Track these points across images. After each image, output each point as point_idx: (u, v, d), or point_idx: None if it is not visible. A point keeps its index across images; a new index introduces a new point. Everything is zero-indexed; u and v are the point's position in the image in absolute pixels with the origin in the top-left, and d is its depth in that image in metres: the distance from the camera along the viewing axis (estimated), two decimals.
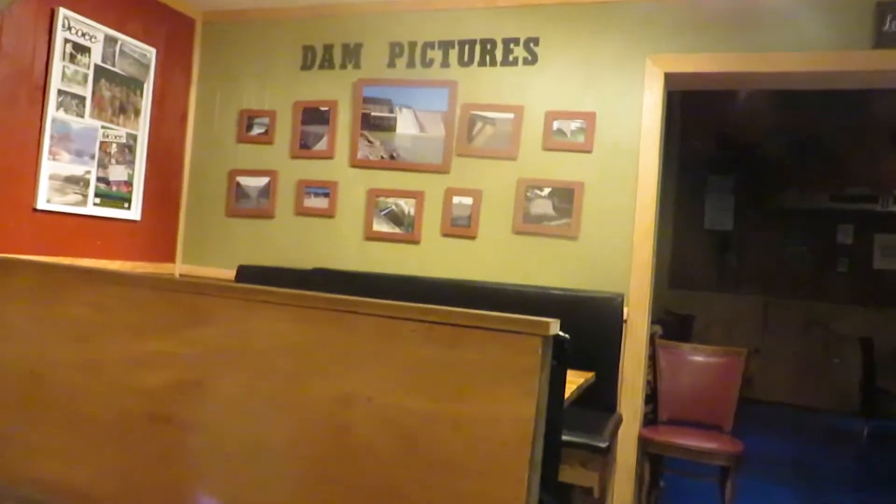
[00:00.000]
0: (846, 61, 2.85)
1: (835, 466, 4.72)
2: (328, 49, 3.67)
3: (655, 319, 3.81)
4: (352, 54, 3.62)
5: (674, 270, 6.93)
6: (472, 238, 3.31)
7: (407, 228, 3.42)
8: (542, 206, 3.20)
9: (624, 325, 3.01)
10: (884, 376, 5.57)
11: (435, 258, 3.36)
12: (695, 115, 6.37)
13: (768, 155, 6.80)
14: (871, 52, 2.77)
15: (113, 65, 3.37)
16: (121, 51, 3.41)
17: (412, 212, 3.41)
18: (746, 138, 6.74)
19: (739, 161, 6.86)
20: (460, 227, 3.32)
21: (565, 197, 3.17)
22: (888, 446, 5.45)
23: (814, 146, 6.55)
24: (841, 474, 4.54)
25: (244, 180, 3.77)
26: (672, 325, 5.04)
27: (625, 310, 3.01)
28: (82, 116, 3.23)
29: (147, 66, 3.56)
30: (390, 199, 3.45)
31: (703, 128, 6.70)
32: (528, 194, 3.22)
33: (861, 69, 2.81)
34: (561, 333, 1.40)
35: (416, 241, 3.40)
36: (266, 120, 3.75)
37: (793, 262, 6.79)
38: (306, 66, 3.70)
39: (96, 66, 3.28)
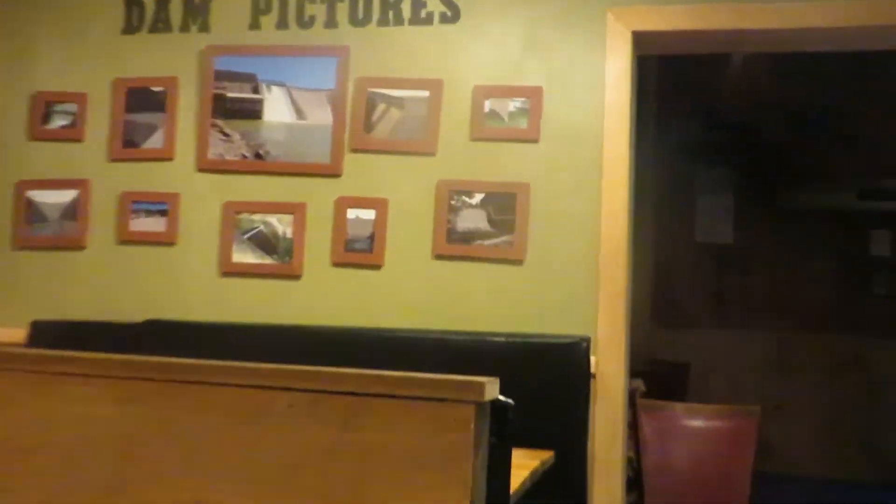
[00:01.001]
0: (884, 12, 3.00)
1: None
2: (162, 4, 3.62)
3: (636, 371, 3.88)
4: (197, 11, 3.57)
5: (657, 301, 7.09)
6: (377, 267, 3.31)
7: (282, 257, 3.39)
8: (474, 219, 3.23)
9: (592, 380, 3.04)
10: None
11: (323, 298, 3.34)
12: (676, 88, 6.60)
13: (774, 139, 7.09)
14: None
15: None
16: None
17: (289, 233, 3.38)
18: (745, 117, 7.02)
19: (736, 148, 7.13)
20: (359, 253, 3.32)
21: (504, 205, 3.21)
22: None
23: (835, 126, 6.87)
24: None
25: (39, 195, 3.65)
26: (659, 377, 5.14)
27: (592, 359, 3.05)
28: None
29: None
30: (257, 217, 3.42)
31: (688, 105, 6.95)
32: (454, 202, 3.25)
33: None
34: (502, 398, 1.40)
35: (295, 276, 3.38)
36: (72, 106, 3.65)
37: (814, 284, 7.06)
38: (131, 29, 3.64)
39: None
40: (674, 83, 6.50)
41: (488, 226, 3.22)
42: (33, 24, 3.75)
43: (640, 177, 3.40)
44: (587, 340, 3.03)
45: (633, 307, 3.30)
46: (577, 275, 3.13)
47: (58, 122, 3.68)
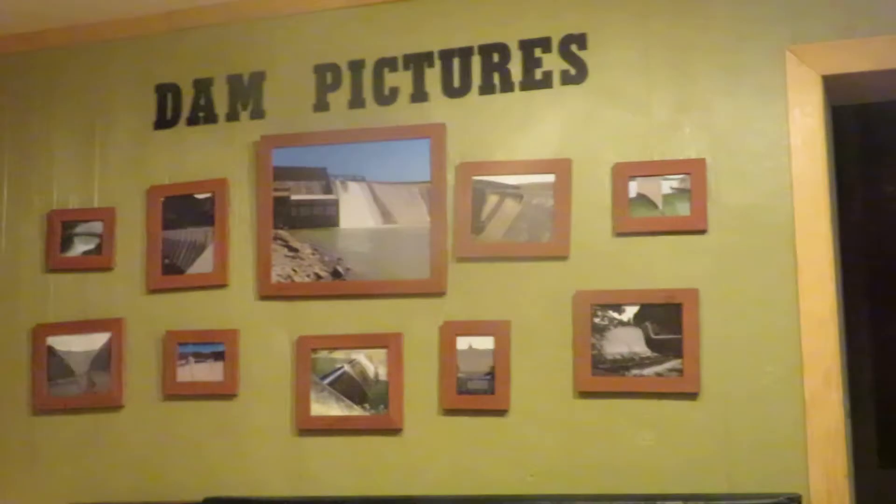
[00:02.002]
0: None
1: None
2: (203, 87, 3.77)
3: None
4: (248, 93, 3.71)
5: (885, 438, 6.84)
6: (501, 413, 3.31)
7: (375, 406, 3.43)
8: (627, 340, 3.21)
9: None
10: None
11: (432, 457, 3.36)
12: (886, 147, 6.47)
13: None
14: None
15: None
16: None
17: (382, 374, 3.43)
18: None
19: None
20: (476, 395, 3.34)
21: (667, 319, 3.18)
22: None
23: None
24: None
25: (62, 342, 3.77)
26: None
27: None
28: None
29: None
30: (339, 354, 3.48)
31: None
32: (598, 320, 3.24)
33: None
34: None
35: (394, 430, 3.40)
36: (97, 226, 3.80)
37: None
38: (165, 122, 3.81)
39: None
40: (882, 141, 6.37)
41: (647, 349, 3.19)
42: (45, 125, 3.94)
43: (850, 272, 3.32)
44: (796, 499, 2.94)
45: (854, 448, 3.23)
46: (775, 409, 3.07)
47: (80, 246, 3.81)
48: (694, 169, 3.23)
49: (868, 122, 6.16)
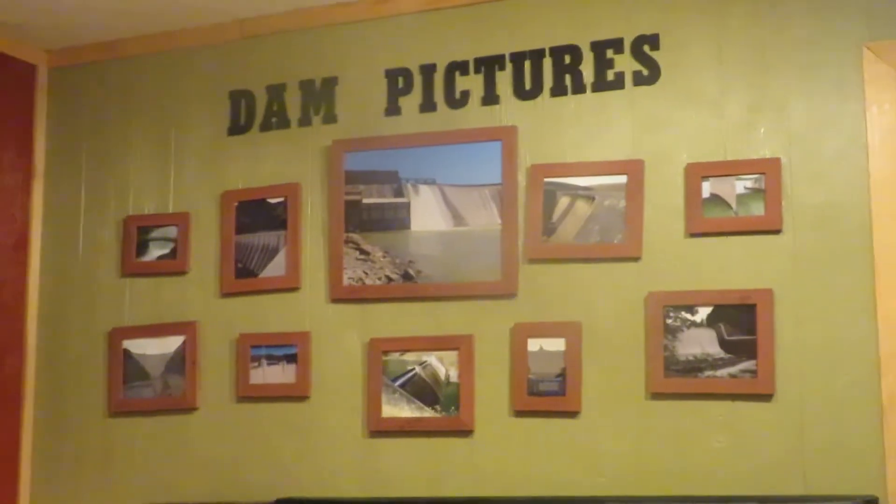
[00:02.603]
0: None
1: None
2: (276, 93, 3.82)
3: None
4: (320, 99, 3.76)
5: None
6: (572, 415, 3.31)
7: (447, 408, 3.44)
8: (700, 342, 3.20)
9: None
10: None
11: (503, 458, 3.37)
12: None
13: None
14: None
15: None
16: None
17: (453, 376, 3.44)
18: None
19: None
20: (547, 397, 3.33)
21: (741, 320, 3.16)
22: None
23: None
24: None
25: (138, 345, 3.83)
26: None
27: None
28: None
29: None
30: (411, 357, 3.50)
31: None
32: (671, 321, 3.23)
33: None
34: None
35: (465, 431, 3.42)
36: (171, 230, 3.86)
37: None
38: (238, 129, 3.87)
39: None
40: None
41: (720, 350, 3.17)
42: (120, 133, 4.01)
43: None
44: (873, 502, 2.91)
45: None
46: (851, 409, 3.04)
47: (155, 251, 3.87)
48: (769, 168, 3.21)
49: None
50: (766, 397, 3.13)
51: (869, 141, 3.13)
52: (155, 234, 3.89)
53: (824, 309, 3.12)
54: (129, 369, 3.85)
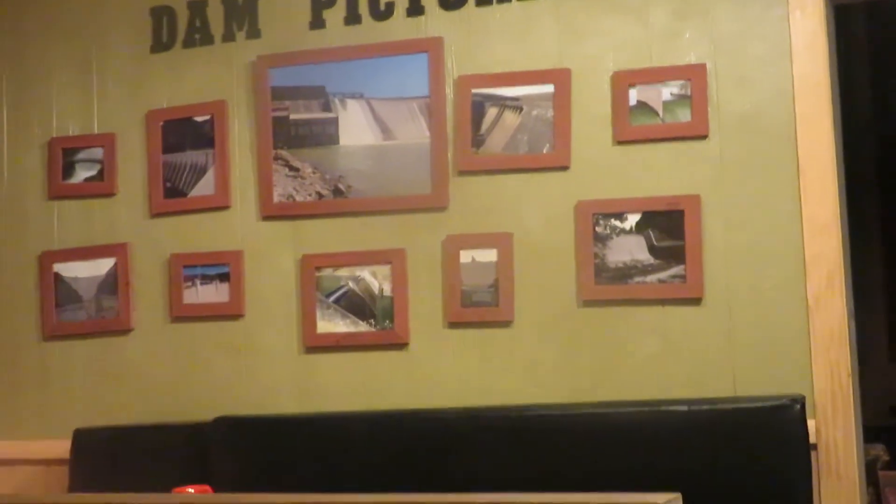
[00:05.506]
0: None
1: None
2: (198, 9, 3.72)
3: (873, 433, 3.79)
4: (242, 13, 3.66)
5: (895, 331, 6.84)
6: (505, 324, 3.33)
7: (381, 322, 3.44)
8: (629, 249, 3.22)
9: (813, 453, 2.97)
10: None
11: (438, 370, 3.39)
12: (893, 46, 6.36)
13: None
14: None
15: None
16: None
17: (387, 289, 3.44)
18: None
19: None
20: (480, 308, 3.35)
21: (669, 226, 3.19)
22: None
23: None
24: None
25: (68, 268, 3.78)
26: None
27: (810, 425, 2.97)
28: None
29: None
30: (344, 272, 3.48)
31: None
32: (600, 229, 3.24)
33: None
34: None
35: (400, 344, 3.43)
36: (97, 152, 3.79)
37: None
38: (160, 46, 3.76)
39: None
40: (892, 39, 6.28)
41: (650, 256, 3.20)
42: (41, 53, 3.89)
43: (854, 176, 3.30)
44: (800, 400, 2.93)
45: (861, 345, 3.23)
46: (778, 311, 3.09)
47: (82, 173, 3.80)
48: (694, 74, 3.21)
49: (877, 20, 6.07)
50: (696, 301, 3.17)
51: (793, 45, 3.14)
52: (81, 155, 3.83)
53: (751, 213, 3.16)
54: (61, 293, 3.80)
